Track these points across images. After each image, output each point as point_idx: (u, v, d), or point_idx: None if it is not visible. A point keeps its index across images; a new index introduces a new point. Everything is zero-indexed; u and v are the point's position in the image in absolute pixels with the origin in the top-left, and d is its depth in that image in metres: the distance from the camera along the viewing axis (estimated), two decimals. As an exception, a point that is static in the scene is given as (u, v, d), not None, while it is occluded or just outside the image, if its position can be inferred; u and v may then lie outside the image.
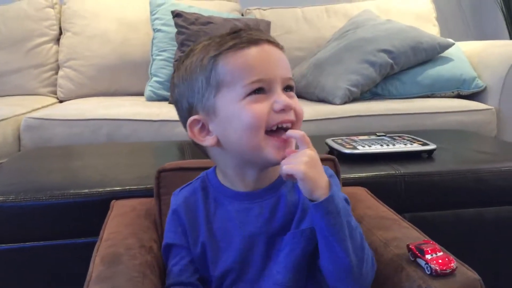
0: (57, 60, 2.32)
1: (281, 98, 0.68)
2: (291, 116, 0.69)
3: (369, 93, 2.02)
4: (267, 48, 0.69)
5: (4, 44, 2.25)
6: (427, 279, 0.69)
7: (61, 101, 2.26)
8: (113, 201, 0.97)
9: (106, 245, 0.78)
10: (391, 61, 1.98)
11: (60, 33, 2.35)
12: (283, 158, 0.67)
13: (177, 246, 0.75)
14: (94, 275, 0.69)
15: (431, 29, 2.37)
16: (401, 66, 2.01)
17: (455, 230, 1.13)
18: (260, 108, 0.67)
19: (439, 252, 0.71)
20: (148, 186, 1.00)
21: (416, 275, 0.70)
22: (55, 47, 2.33)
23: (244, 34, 0.69)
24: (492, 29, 2.96)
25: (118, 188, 1.02)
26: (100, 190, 1.01)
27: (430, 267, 0.69)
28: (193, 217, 0.75)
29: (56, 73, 2.32)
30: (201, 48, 0.71)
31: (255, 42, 0.69)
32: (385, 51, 1.98)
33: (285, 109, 0.68)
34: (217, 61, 0.68)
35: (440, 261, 0.69)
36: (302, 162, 0.64)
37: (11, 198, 0.98)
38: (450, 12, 2.89)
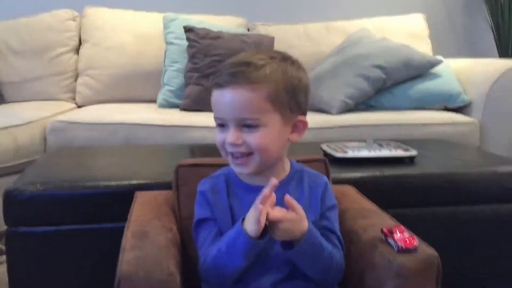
0: (76, 69, 2.50)
1: (228, 135, 0.85)
2: (239, 149, 0.85)
3: (363, 104, 2.19)
4: (227, 92, 0.84)
5: (28, 53, 2.44)
6: (395, 255, 0.84)
7: (79, 106, 2.43)
8: (137, 192, 1.13)
9: (135, 224, 0.95)
10: (384, 76, 2.15)
11: (80, 43, 2.54)
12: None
13: (208, 220, 0.91)
14: (128, 245, 0.85)
15: (423, 47, 2.52)
16: (393, 81, 2.18)
17: (432, 225, 1.28)
18: (219, 138, 0.87)
19: (406, 233, 0.87)
20: (166, 180, 1.16)
21: (387, 252, 0.86)
22: (75, 56, 2.51)
23: (223, 76, 0.85)
24: (483, 47, 3.12)
25: (141, 182, 1.18)
26: (126, 183, 1.18)
27: (397, 245, 0.85)
28: (218, 200, 0.92)
29: (75, 80, 2.49)
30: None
31: (222, 85, 0.85)
32: (379, 66, 2.15)
33: (229, 145, 0.86)
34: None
35: (406, 240, 0.85)
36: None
37: (51, 187, 1.14)
38: (443, 30, 3.05)
